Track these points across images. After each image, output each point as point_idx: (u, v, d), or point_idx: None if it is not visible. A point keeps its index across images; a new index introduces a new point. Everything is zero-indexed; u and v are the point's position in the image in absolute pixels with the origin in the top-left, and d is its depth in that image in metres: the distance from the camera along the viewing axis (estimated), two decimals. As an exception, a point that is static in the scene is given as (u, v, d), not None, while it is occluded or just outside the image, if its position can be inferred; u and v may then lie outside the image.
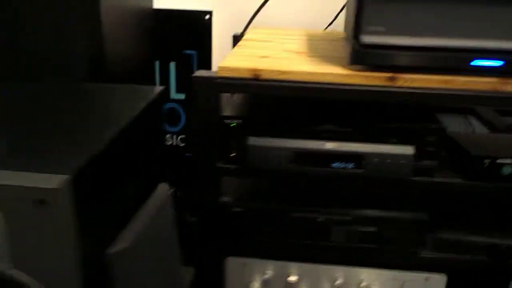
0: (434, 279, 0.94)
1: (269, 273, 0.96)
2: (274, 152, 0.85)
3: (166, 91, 1.26)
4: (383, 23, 0.77)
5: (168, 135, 1.31)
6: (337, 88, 0.81)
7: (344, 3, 1.15)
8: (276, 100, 0.99)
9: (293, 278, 0.95)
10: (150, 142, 0.92)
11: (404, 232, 0.90)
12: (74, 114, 0.79)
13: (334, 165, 0.85)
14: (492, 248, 0.90)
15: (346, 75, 0.81)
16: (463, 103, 1.05)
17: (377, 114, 0.92)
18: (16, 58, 0.95)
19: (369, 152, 0.84)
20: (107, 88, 0.93)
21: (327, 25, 1.26)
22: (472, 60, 0.77)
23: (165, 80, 1.28)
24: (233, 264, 0.97)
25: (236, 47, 0.99)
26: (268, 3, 1.14)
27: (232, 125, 0.86)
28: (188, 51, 1.26)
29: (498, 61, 0.77)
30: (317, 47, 1.01)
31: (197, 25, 1.24)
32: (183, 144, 1.31)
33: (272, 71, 0.82)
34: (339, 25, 1.23)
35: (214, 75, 0.83)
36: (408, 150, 0.83)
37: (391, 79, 0.80)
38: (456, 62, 0.78)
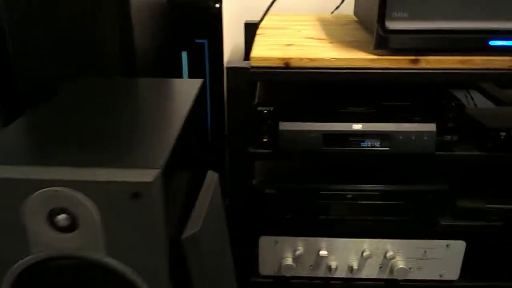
0: (454, 246, 1.00)
1: (300, 250, 1.01)
2: (304, 135, 0.90)
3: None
4: (406, 9, 0.82)
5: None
6: (364, 72, 0.86)
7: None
8: (303, 86, 1.03)
9: (324, 252, 1.01)
10: (200, 131, 0.96)
11: (427, 203, 0.97)
12: (141, 110, 0.83)
13: (363, 144, 0.90)
14: (508, 215, 0.98)
15: (372, 60, 0.85)
16: (481, 81, 1.13)
17: (399, 95, 0.97)
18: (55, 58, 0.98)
19: (394, 131, 0.89)
20: (154, 82, 0.97)
21: (334, 9, 1.31)
22: (490, 41, 0.83)
23: (177, 70, 1.31)
24: (265, 242, 1.02)
25: (257, 36, 1.03)
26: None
27: (265, 112, 0.91)
28: (199, 40, 1.29)
29: (514, 41, 0.83)
30: (333, 32, 1.06)
31: (208, 14, 1.26)
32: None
33: (301, 59, 0.86)
34: (345, 9, 1.28)
35: (247, 65, 0.87)
36: (431, 127, 0.89)
37: (414, 61, 0.85)
38: (474, 43, 0.83)
